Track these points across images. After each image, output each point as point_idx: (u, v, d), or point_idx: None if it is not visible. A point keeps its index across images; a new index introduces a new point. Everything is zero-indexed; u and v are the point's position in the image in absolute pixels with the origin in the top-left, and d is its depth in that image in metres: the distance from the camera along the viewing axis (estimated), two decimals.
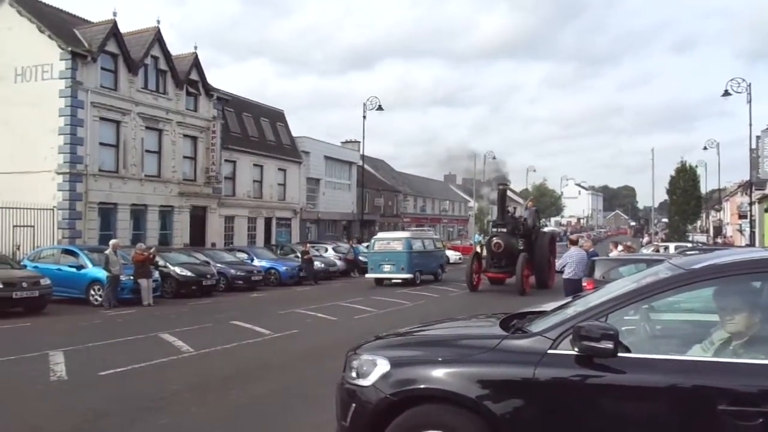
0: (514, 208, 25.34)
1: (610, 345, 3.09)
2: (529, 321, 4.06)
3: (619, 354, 3.18)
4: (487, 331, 4.10)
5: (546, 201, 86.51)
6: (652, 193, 56.09)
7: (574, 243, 14.17)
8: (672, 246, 27.30)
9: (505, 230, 20.59)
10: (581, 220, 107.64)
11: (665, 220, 66.63)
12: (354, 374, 3.86)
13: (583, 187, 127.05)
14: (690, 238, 44.89)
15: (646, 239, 50.73)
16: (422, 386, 3.53)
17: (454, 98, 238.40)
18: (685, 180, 50.50)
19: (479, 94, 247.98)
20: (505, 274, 20.41)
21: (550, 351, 3.35)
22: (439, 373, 3.52)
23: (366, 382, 3.73)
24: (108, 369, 7.77)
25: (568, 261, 13.02)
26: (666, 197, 55.91)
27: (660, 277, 3.56)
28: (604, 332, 3.11)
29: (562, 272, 13.33)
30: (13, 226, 20.43)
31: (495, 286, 20.93)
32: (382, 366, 3.71)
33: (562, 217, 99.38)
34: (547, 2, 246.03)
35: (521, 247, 20.48)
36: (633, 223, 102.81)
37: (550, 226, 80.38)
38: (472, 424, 3.36)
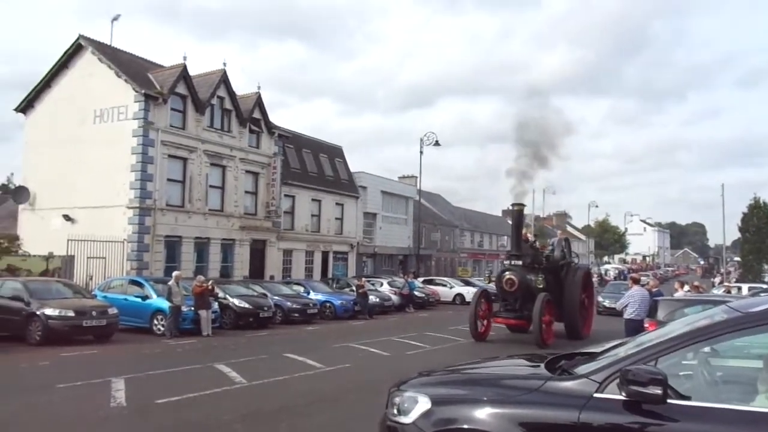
0: (535, 236, 20.65)
1: (658, 391, 2.97)
2: (576, 362, 3.94)
3: (672, 401, 3.05)
4: (531, 372, 4.01)
5: (609, 237, 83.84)
6: (722, 231, 53.14)
7: (636, 282, 13.65)
8: (745, 287, 25.76)
9: (520, 263, 16.48)
10: (647, 258, 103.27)
11: (737, 259, 62.99)
12: (395, 411, 3.85)
13: (649, 224, 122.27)
14: (766, 279, 42.23)
15: (717, 279, 48.06)
16: (463, 426, 3.48)
17: (512, 135, 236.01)
18: (758, 217, 47.87)
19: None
20: (519, 320, 16.36)
21: (596, 395, 3.25)
22: (480, 413, 3.46)
23: (407, 419, 3.72)
24: (164, 397, 8.02)
25: (630, 301, 12.53)
26: (738, 235, 53.00)
27: (715, 320, 3.40)
28: (653, 377, 2.99)
29: (623, 312, 12.80)
30: (88, 258, 21.62)
31: (514, 335, 17.30)
32: (423, 404, 3.69)
33: (626, 254, 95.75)
34: (608, 39, 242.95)
35: (540, 285, 16.04)
36: (702, 262, 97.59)
37: (613, 263, 77.59)
38: None
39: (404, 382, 4.09)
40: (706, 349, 3.66)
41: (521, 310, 16.15)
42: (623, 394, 3.10)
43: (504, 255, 17.97)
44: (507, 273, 16.31)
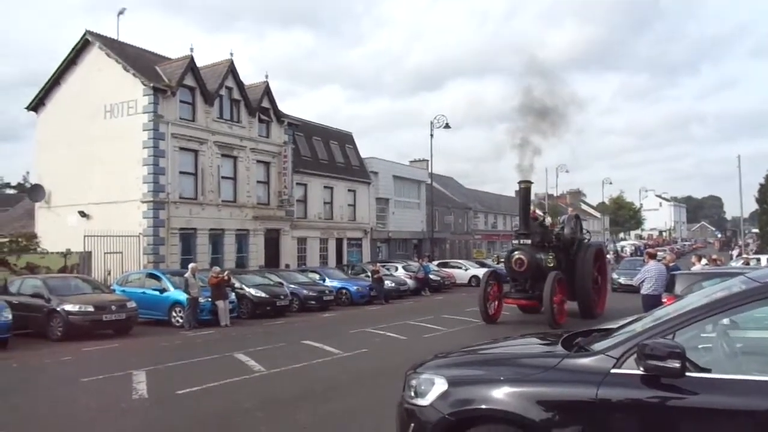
0: (545, 213, 19.70)
1: (677, 364, 2.94)
2: (593, 339, 3.91)
3: (691, 374, 3.02)
4: (547, 350, 3.99)
5: (624, 214, 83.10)
6: (740, 203, 52.42)
7: (653, 257, 13.51)
8: (764, 258, 25.40)
9: (529, 242, 16.03)
10: (663, 233, 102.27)
11: (755, 230, 62.16)
12: (412, 393, 3.86)
13: (665, 199, 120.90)
14: None
15: (736, 252, 47.50)
16: (480, 406, 3.49)
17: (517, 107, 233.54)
18: None
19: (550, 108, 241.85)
20: (531, 301, 16.07)
21: (613, 370, 3.23)
22: (497, 392, 3.46)
23: (424, 401, 3.73)
24: (185, 388, 8.12)
25: (647, 276, 12.42)
26: (756, 206, 52.22)
27: (733, 291, 3.35)
28: (671, 350, 2.96)
29: (640, 288, 12.70)
30: (105, 253, 21.84)
31: (526, 316, 17.06)
32: (440, 385, 3.69)
33: (643, 230, 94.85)
34: (618, 14, 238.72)
35: (551, 264, 15.61)
36: (719, 235, 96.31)
37: (630, 240, 76.99)
38: None
39: (421, 364, 4.09)
40: (725, 321, 3.62)
41: (532, 290, 15.82)
42: (641, 368, 3.08)
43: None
44: (516, 252, 15.89)
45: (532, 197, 22.24)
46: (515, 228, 17.87)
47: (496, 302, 16.38)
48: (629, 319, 4.30)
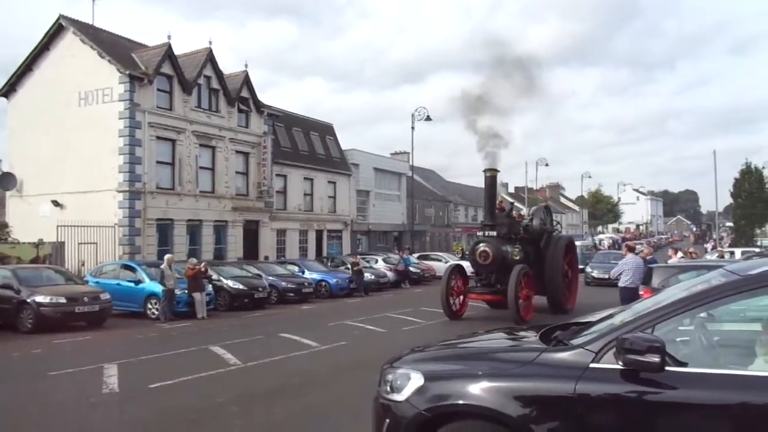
0: (512, 203, 19.61)
1: (656, 358, 2.88)
2: (572, 333, 3.85)
3: (670, 368, 2.96)
4: (525, 344, 3.92)
5: (602, 207, 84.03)
6: (715, 197, 53.28)
7: (631, 250, 13.61)
8: (738, 251, 25.86)
9: (495, 234, 15.33)
10: (640, 227, 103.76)
11: (730, 224, 63.33)
12: (388, 388, 3.77)
13: (642, 193, 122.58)
14: (758, 243, 42.48)
15: (710, 245, 48.39)
16: (457, 402, 3.40)
17: (505, 107, 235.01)
18: (750, 182, 48.03)
19: (531, 103, 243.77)
20: (495, 296, 15.12)
21: (592, 365, 3.16)
22: (474, 388, 3.37)
23: (400, 396, 3.64)
24: (157, 382, 7.93)
25: (625, 269, 12.51)
26: (730, 201, 53.20)
27: (712, 284, 3.31)
28: (650, 344, 2.90)
29: (617, 281, 12.79)
30: (79, 243, 21.41)
31: (494, 312, 15.90)
32: (416, 380, 3.60)
33: (620, 223, 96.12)
34: (598, 10, 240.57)
35: (517, 257, 14.78)
36: (694, 228, 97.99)
37: (607, 233, 77.96)
38: None
39: (397, 358, 4.00)
40: (703, 314, 3.58)
41: (497, 285, 14.95)
42: (620, 363, 3.02)
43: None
44: (481, 245, 15.06)
45: (499, 190, 21.27)
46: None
47: (461, 298, 15.69)
48: (609, 312, 4.25)
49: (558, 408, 3.17)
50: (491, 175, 16.13)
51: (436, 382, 3.55)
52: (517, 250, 14.95)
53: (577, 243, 47.11)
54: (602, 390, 3.09)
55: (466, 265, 16.29)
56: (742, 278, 3.16)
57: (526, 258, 15.25)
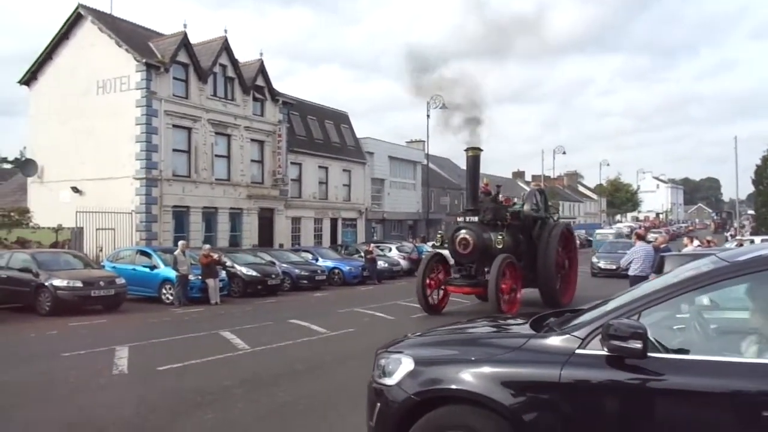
0: (498, 186, 16.45)
1: (638, 345, 2.87)
2: (564, 320, 3.85)
3: (655, 354, 2.96)
4: (514, 330, 3.93)
5: (621, 196, 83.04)
6: (736, 185, 52.34)
7: (641, 238, 13.47)
8: (759, 239, 25.39)
9: (476, 219, 14.05)
10: (660, 215, 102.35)
11: (752, 212, 62.11)
12: (380, 373, 3.81)
13: (662, 180, 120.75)
14: None
15: (731, 233, 47.60)
16: (445, 386, 3.43)
17: (523, 95, 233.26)
18: None
19: (549, 91, 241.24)
20: (475, 288, 13.75)
21: (578, 351, 3.16)
22: (463, 373, 3.40)
23: (391, 381, 3.68)
24: (166, 364, 8.10)
25: (635, 257, 12.40)
26: (752, 188, 52.15)
27: (701, 270, 3.28)
28: (634, 331, 2.90)
29: (626, 270, 12.68)
30: (97, 229, 21.78)
31: (483, 305, 14.41)
32: (407, 365, 3.64)
33: (639, 212, 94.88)
34: None
35: (500, 246, 13.56)
36: (714, 216, 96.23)
37: (626, 221, 77.00)
38: (496, 426, 3.23)
39: (392, 344, 4.04)
40: (705, 301, 3.57)
41: (477, 276, 13.68)
42: (605, 349, 3.02)
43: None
44: (461, 232, 13.69)
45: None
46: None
47: (443, 290, 14.40)
48: (601, 300, 4.24)
49: (543, 393, 3.18)
50: (473, 155, 14.84)
51: (425, 367, 3.58)
52: (500, 237, 13.72)
53: (602, 231, 45.55)
54: (587, 375, 3.09)
55: (447, 254, 14.96)
56: (730, 264, 3.14)
57: (514, 247, 14.24)
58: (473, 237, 13.55)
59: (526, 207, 15.42)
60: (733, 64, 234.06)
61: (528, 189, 18.06)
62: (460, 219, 14.51)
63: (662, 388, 2.92)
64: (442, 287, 14.40)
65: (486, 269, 13.31)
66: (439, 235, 15.94)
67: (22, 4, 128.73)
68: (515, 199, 17.02)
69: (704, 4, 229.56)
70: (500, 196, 15.63)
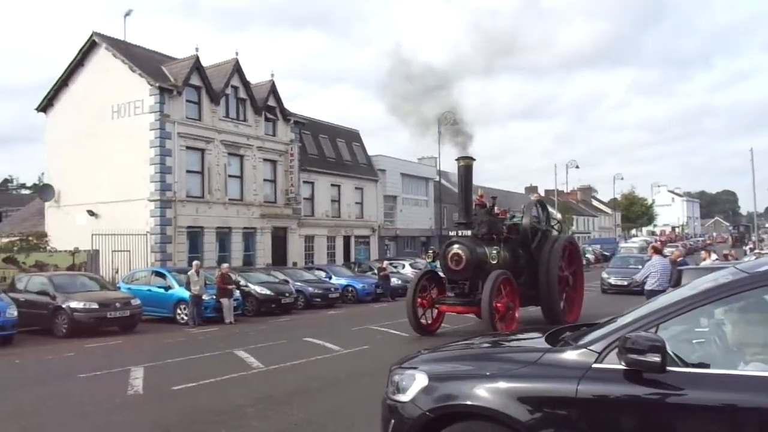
0: (493, 198, 15.62)
1: (657, 358, 2.81)
2: (580, 334, 3.80)
3: (674, 368, 2.90)
4: (529, 345, 3.88)
5: (636, 210, 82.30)
6: (753, 198, 51.62)
7: (658, 252, 13.29)
8: None
9: (469, 233, 13.12)
10: (676, 229, 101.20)
11: None
12: (394, 389, 3.78)
13: (677, 194, 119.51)
14: None
15: (749, 247, 46.89)
16: (459, 402, 3.39)
17: (535, 111, 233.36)
18: None
19: (561, 106, 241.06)
20: (469, 307, 12.79)
21: (595, 365, 3.11)
22: (477, 388, 3.35)
23: (405, 397, 3.64)
24: (181, 384, 8.11)
25: (651, 271, 12.22)
26: None
27: (719, 282, 3.22)
28: (652, 344, 2.84)
29: (640, 286, 12.50)
30: (112, 251, 21.98)
31: (481, 323, 12.52)
32: (421, 380, 3.60)
33: (655, 226, 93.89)
34: (626, 9, 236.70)
35: (494, 261, 12.65)
36: (731, 230, 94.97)
37: (641, 236, 76.21)
38: None
39: (405, 360, 4.01)
40: (721, 315, 3.49)
41: (471, 294, 12.72)
42: (622, 363, 2.96)
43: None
44: (453, 247, 12.83)
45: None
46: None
47: (437, 309, 13.53)
48: (618, 315, 4.18)
49: (560, 408, 3.13)
50: (465, 164, 13.87)
51: (439, 383, 3.54)
52: (495, 252, 12.76)
53: (626, 245, 44.27)
54: (604, 390, 3.04)
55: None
56: (749, 275, 3.08)
57: (513, 262, 13.47)
58: (466, 252, 12.65)
59: (525, 219, 14.41)
60: (748, 75, 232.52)
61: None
62: (452, 233, 13.66)
63: (682, 403, 2.85)
64: (436, 306, 13.54)
65: (481, 286, 12.34)
66: (430, 252, 14.88)
67: (39, 34, 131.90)
68: (512, 212, 16.37)
69: (717, 16, 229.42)
70: (496, 208, 14.84)
